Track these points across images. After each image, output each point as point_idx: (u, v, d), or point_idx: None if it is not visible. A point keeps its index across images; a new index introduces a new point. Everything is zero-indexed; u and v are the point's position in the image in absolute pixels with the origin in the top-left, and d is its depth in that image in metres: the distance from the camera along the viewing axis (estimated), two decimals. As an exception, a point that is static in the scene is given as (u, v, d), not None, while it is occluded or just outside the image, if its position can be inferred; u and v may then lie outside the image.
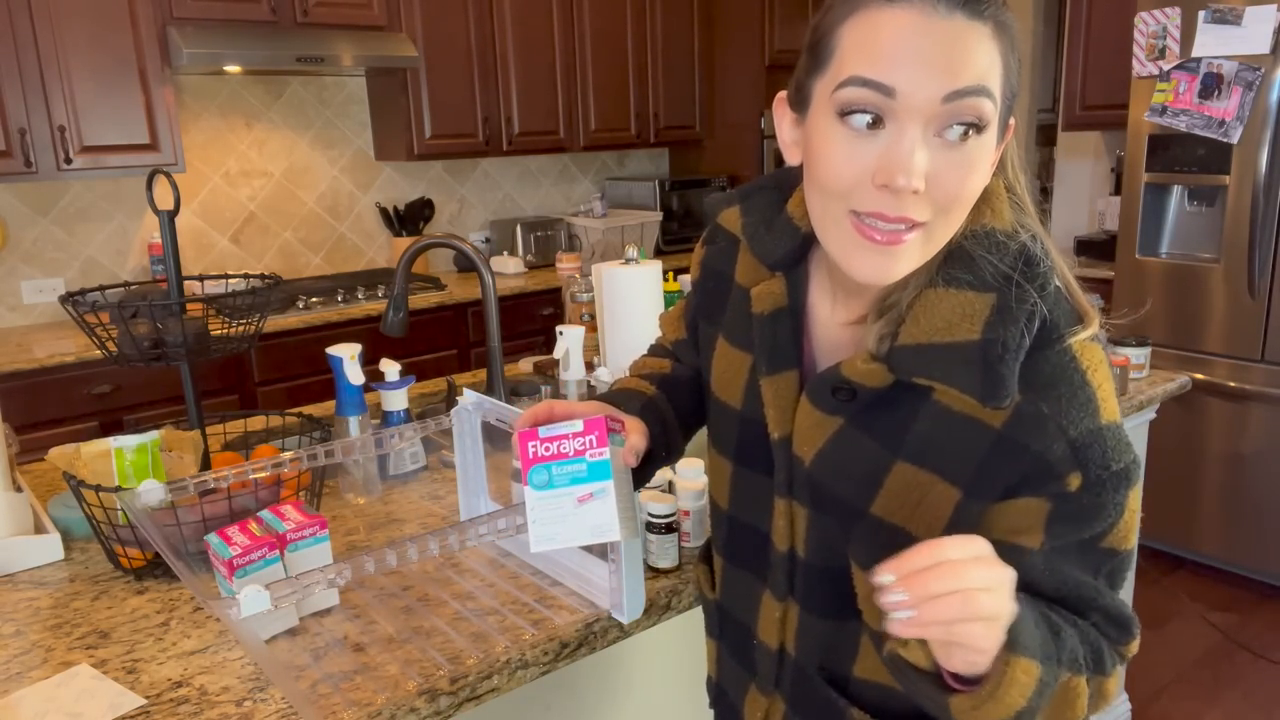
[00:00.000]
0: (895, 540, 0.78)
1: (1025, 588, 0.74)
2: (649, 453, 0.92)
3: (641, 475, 0.95)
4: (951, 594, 0.62)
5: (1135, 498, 0.76)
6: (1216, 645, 2.79)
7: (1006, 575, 0.65)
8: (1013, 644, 0.66)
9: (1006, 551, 0.74)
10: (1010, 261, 0.74)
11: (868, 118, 0.70)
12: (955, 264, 0.75)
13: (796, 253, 0.86)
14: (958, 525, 0.76)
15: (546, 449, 0.82)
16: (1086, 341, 0.74)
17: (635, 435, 0.87)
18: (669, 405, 1.00)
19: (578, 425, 0.82)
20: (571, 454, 0.82)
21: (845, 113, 0.71)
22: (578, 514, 0.83)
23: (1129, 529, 0.76)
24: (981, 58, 0.69)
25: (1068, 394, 0.73)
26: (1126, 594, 2.30)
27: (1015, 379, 0.72)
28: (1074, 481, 0.73)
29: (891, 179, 0.69)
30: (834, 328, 0.86)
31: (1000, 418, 0.73)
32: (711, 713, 1.11)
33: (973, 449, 0.74)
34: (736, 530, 0.95)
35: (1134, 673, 2.47)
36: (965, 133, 0.70)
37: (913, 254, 0.73)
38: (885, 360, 0.77)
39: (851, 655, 0.87)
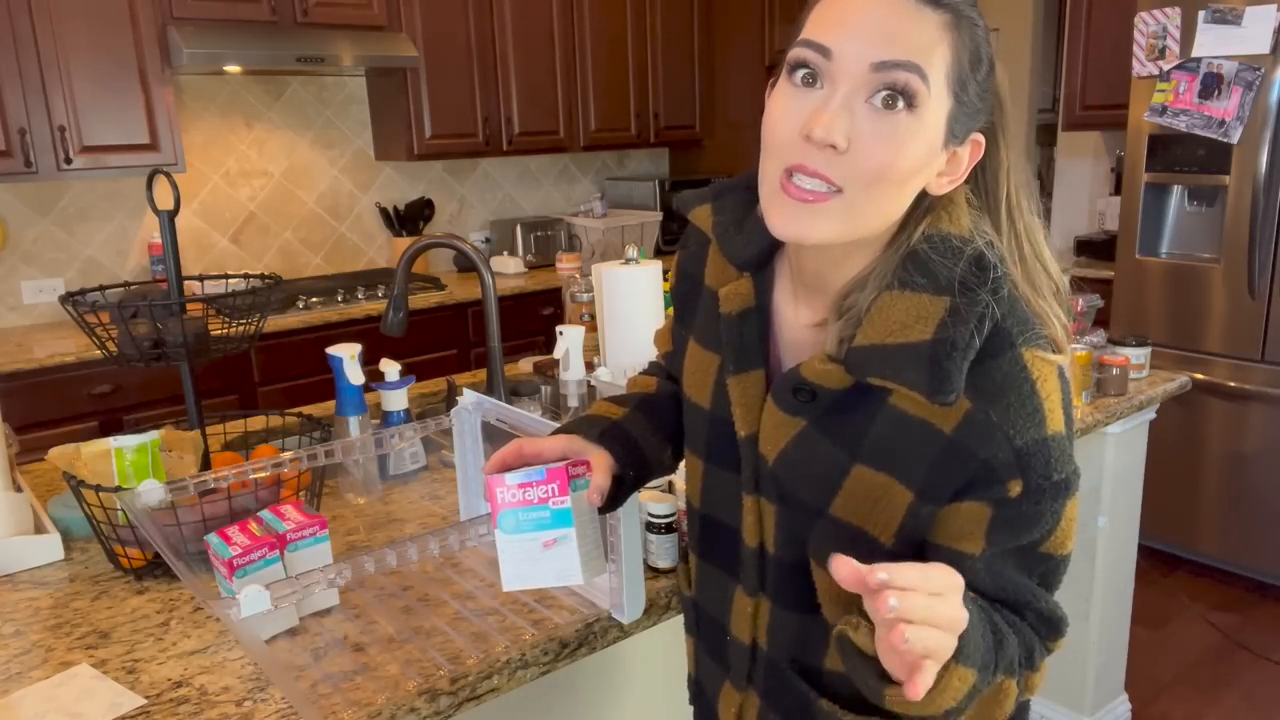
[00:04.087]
0: (853, 540, 0.80)
1: (968, 590, 0.77)
2: (616, 477, 0.93)
3: (615, 500, 0.95)
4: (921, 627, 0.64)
5: (1073, 507, 0.79)
6: (1216, 645, 2.79)
7: (962, 616, 0.67)
8: (957, 653, 0.69)
9: (950, 557, 0.78)
10: (964, 266, 0.76)
11: (806, 73, 0.74)
12: (912, 268, 0.77)
13: (764, 254, 0.88)
14: (910, 527, 0.78)
15: (514, 495, 0.87)
16: (1038, 352, 0.76)
17: (599, 474, 0.89)
18: (645, 425, 1.00)
19: (541, 474, 0.86)
20: (536, 501, 0.87)
21: (790, 70, 0.75)
22: (544, 558, 0.88)
23: (1065, 536, 0.79)
24: (920, 37, 0.72)
25: (1016, 403, 0.74)
26: (1122, 594, 2.30)
27: (963, 377, 0.73)
28: (1015, 488, 0.75)
29: (811, 129, 0.72)
30: (798, 329, 0.87)
31: (951, 423, 0.75)
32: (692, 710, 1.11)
33: (924, 452, 0.76)
34: (709, 528, 0.97)
35: (1134, 673, 2.47)
36: (891, 100, 0.72)
37: (831, 220, 0.75)
38: (842, 361, 0.78)
39: (822, 648, 0.88)
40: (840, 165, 0.73)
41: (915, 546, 0.80)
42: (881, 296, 0.77)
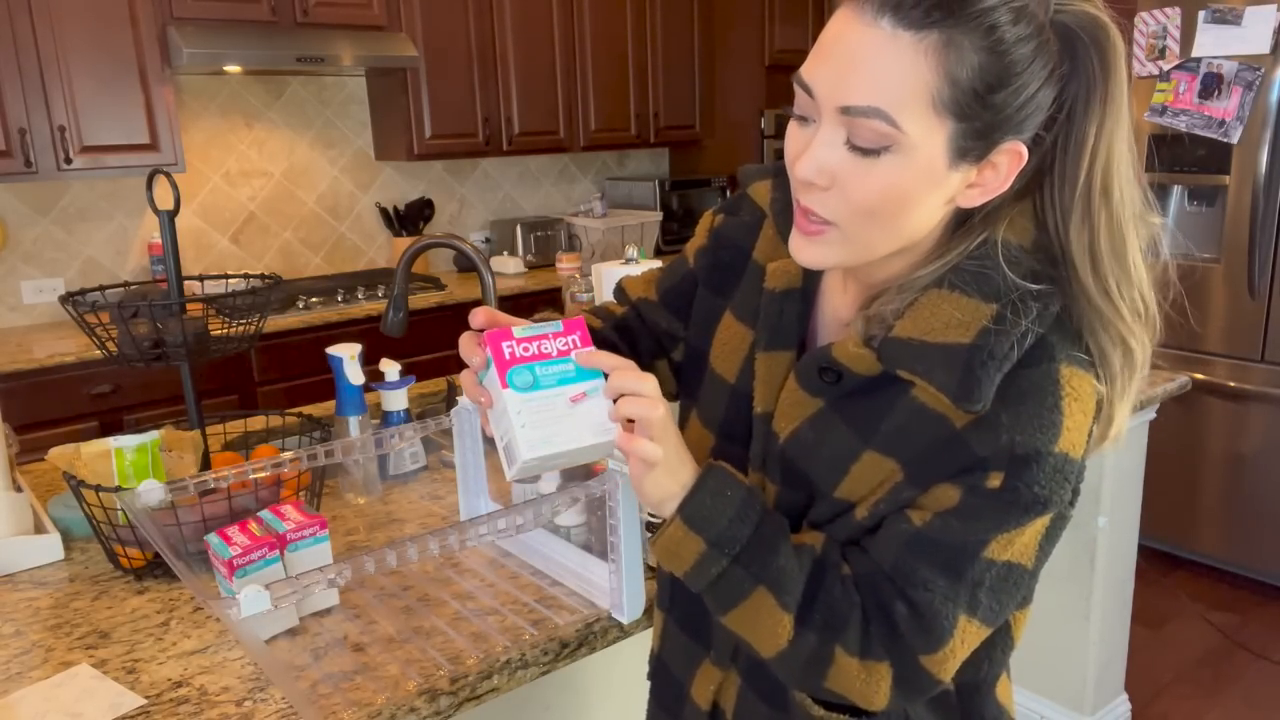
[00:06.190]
0: (844, 517, 0.81)
1: (865, 546, 0.79)
2: None
3: None
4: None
5: (1037, 526, 0.75)
6: (1216, 645, 2.79)
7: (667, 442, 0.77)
8: (680, 510, 0.78)
9: (891, 518, 0.78)
10: (1017, 278, 0.73)
11: (799, 110, 0.75)
12: (966, 271, 0.75)
13: None
14: (885, 503, 0.78)
15: (525, 349, 0.76)
16: (1079, 371, 0.74)
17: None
18: (621, 345, 1.03)
19: (557, 325, 0.78)
20: (555, 354, 0.77)
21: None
22: (573, 414, 0.77)
23: (1014, 545, 0.75)
24: (885, 72, 0.68)
25: (1033, 410, 0.72)
26: (1122, 594, 2.30)
27: (993, 387, 0.72)
28: (995, 480, 0.73)
29: (791, 167, 0.75)
30: (846, 310, 0.87)
31: (964, 419, 0.74)
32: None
33: (930, 442, 0.76)
34: None
35: (1134, 673, 2.47)
36: (864, 149, 0.71)
37: (832, 248, 0.77)
38: (876, 349, 0.78)
39: None
40: (827, 201, 0.74)
41: (879, 520, 0.79)
42: (930, 292, 0.76)
